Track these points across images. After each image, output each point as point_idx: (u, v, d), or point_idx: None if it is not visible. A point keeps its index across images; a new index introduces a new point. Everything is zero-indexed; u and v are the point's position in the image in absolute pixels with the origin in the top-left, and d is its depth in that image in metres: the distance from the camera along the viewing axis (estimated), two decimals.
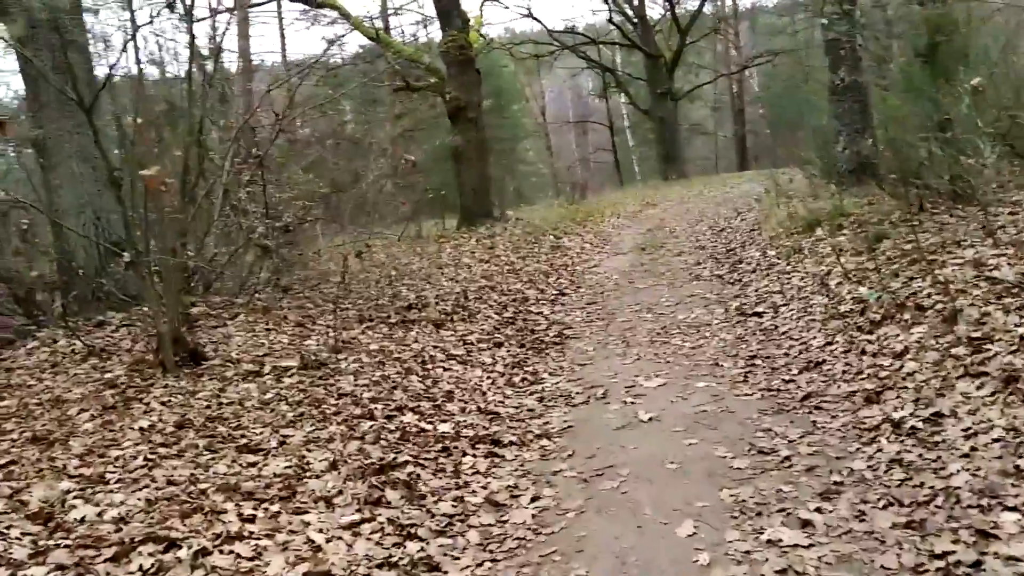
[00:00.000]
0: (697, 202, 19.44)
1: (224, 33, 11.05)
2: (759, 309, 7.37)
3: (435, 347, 7.19)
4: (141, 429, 4.93)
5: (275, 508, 3.86)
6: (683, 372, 5.84)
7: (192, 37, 7.43)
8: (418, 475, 4.30)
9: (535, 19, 33.56)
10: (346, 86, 19.15)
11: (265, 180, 7.82)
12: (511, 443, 4.75)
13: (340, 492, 4.06)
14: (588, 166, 40.94)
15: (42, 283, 7.18)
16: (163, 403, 5.42)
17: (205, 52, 10.21)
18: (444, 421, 5.18)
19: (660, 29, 29.55)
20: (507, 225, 15.75)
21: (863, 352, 5.33)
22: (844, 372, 5.12)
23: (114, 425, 4.98)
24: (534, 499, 3.98)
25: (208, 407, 5.34)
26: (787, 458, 3.98)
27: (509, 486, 4.14)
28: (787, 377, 5.39)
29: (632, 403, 5.27)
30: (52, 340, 6.98)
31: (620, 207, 19.60)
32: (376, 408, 5.33)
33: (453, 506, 3.96)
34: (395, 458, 4.44)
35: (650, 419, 4.87)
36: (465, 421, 5.15)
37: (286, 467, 4.31)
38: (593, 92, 40.59)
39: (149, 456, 4.43)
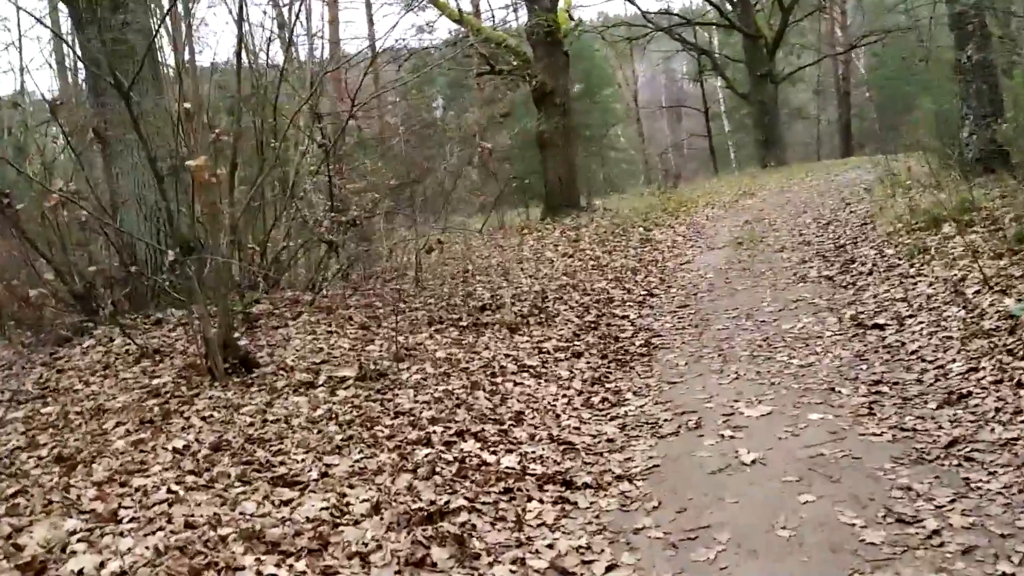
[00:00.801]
0: (799, 191, 18.13)
1: (297, 16, 10.57)
2: (880, 320, 6.37)
3: (507, 356, 6.50)
4: (175, 450, 4.41)
5: (301, 566, 3.24)
6: (791, 397, 4.97)
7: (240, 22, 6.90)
8: (473, 526, 3.60)
9: (628, 0, 32.32)
10: (432, 72, 18.66)
11: (331, 171, 7.26)
12: (586, 486, 4.00)
13: (379, 546, 3.40)
14: (681, 153, 39.56)
15: (102, 278, 6.81)
16: (204, 418, 4.91)
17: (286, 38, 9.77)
18: (510, 451, 4.48)
19: (761, 8, 27.95)
20: (594, 216, 14.93)
21: (1019, 385, 4.36)
22: (997, 411, 4.17)
23: (147, 445, 4.48)
24: (610, 568, 3.23)
25: (251, 424, 4.79)
26: (936, 532, 3.11)
27: (580, 547, 3.40)
28: (923, 412, 4.45)
29: (731, 437, 4.45)
30: (108, 339, 6.60)
31: (715, 196, 18.48)
32: (435, 432, 4.67)
33: (512, 572, 3.25)
34: (448, 502, 3.75)
35: (754, 461, 4.04)
36: (533, 452, 4.43)
37: (323, 507, 3.69)
38: (687, 76, 39.13)
39: (174, 487, 3.88)
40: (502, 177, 15.59)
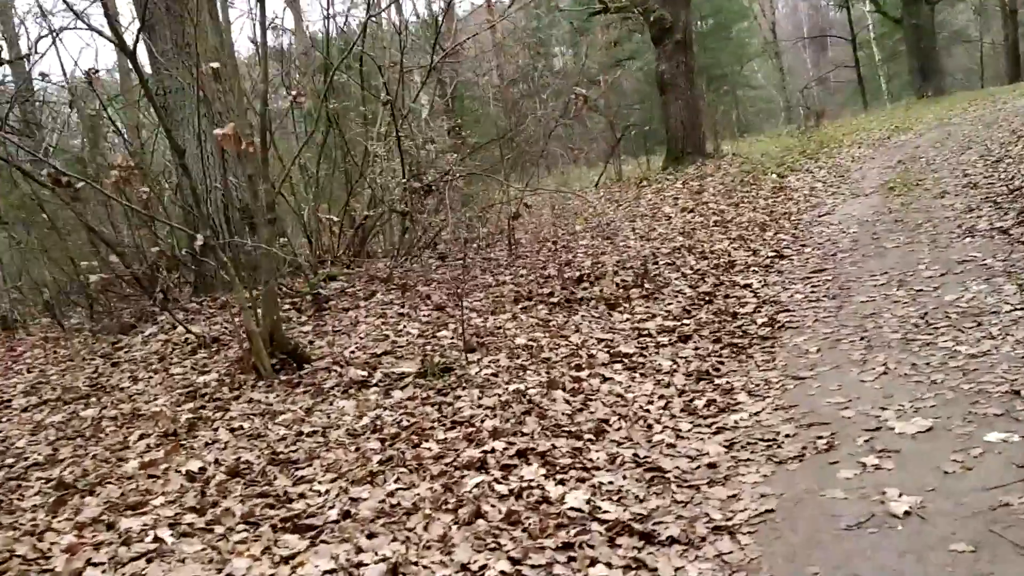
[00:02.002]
0: (961, 124, 15.78)
1: None
2: None
3: (600, 340, 5.48)
4: (187, 474, 3.72)
5: None
6: (960, 406, 3.71)
7: None
8: None
9: None
10: (537, 15, 17.45)
11: (399, 130, 6.38)
12: (672, 540, 2.98)
13: None
14: (827, 88, 36.40)
15: (165, 260, 6.29)
16: (233, 429, 4.21)
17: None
18: (581, 480, 3.50)
19: None
20: (721, 163, 13.43)
21: None
22: None
23: (159, 467, 3.82)
24: None
25: (282, 439, 4.04)
26: None
27: None
28: None
29: (876, 467, 3.28)
30: (171, 326, 6.09)
31: (863, 134, 16.41)
32: (494, 449, 3.76)
33: None
34: (484, 567, 2.84)
35: (908, 512, 2.88)
36: (611, 484, 3.43)
37: (326, 571, 2.87)
38: (832, 2, 35.73)
39: (165, 532, 3.17)
40: (619, 125, 14.32)
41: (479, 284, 6.88)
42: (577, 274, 7.08)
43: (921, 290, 5.66)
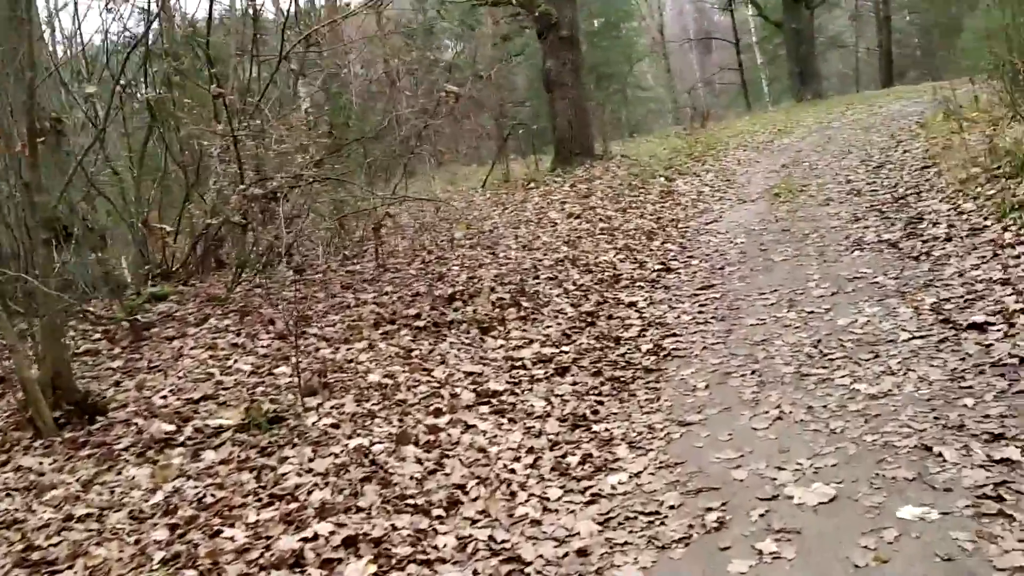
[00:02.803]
0: (840, 127, 15.90)
1: None
2: (977, 316, 4.46)
3: (468, 375, 4.75)
4: None
5: None
6: (866, 464, 3.16)
7: None
8: None
9: None
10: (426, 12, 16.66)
11: (235, 129, 5.46)
12: None
13: None
14: (712, 89, 36.91)
15: None
16: None
17: None
18: None
19: None
20: (610, 165, 12.95)
21: None
22: None
23: None
24: None
25: (45, 525, 3.13)
26: None
27: None
28: None
29: (775, 556, 2.68)
30: None
31: (747, 136, 16.31)
32: (316, 535, 2.97)
33: None
34: None
35: None
36: None
37: None
38: (716, 5, 36.23)
39: None
40: (507, 123, 13.67)
41: (337, 304, 6.04)
42: (450, 291, 6.33)
43: (812, 312, 5.18)
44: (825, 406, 3.77)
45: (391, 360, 4.94)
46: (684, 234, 8.40)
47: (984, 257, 5.29)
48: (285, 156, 5.93)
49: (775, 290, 5.82)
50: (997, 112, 9.60)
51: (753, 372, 4.36)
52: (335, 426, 3.98)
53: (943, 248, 5.81)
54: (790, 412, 3.76)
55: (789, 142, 14.88)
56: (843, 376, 4.07)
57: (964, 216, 6.38)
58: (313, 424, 3.98)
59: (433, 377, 4.72)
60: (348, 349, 5.11)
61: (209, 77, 5.78)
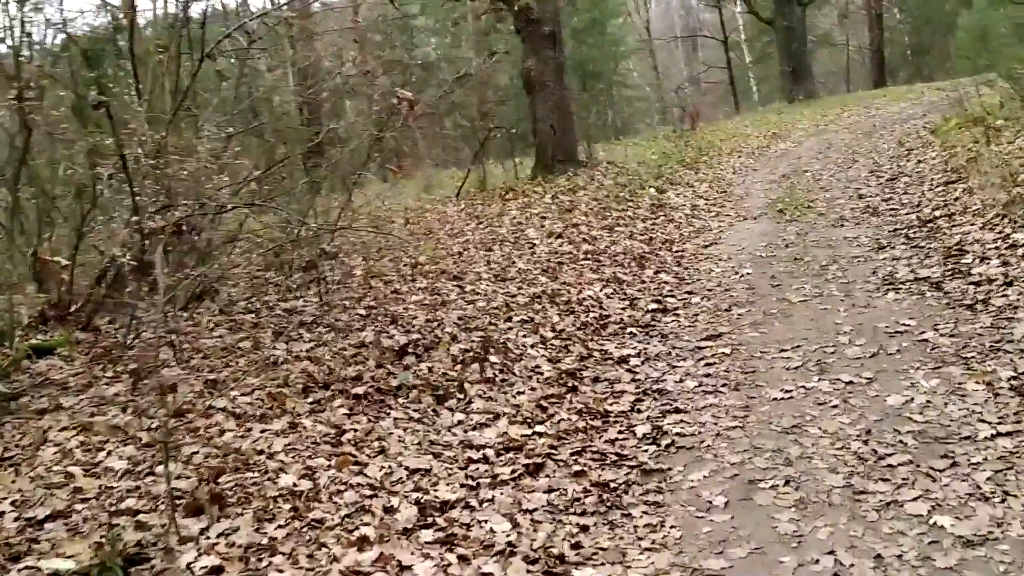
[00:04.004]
0: (838, 131, 14.89)
1: None
2: None
3: (412, 473, 3.60)
4: None
5: None
6: None
7: None
8: None
9: None
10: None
11: (121, 142, 4.27)
12: None
13: None
14: (699, 88, 35.84)
15: None
16: None
17: None
18: None
19: None
20: (595, 173, 11.81)
21: None
22: None
23: None
24: None
25: None
26: None
27: None
28: None
29: None
30: None
31: (741, 140, 15.25)
32: None
33: None
34: None
35: None
36: None
37: None
38: (705, 2, 35.16)
39: None
40: (484, 126, 12.51)
41: (262, 360, 4.87)
42: (403, 340, 5.17)
43: (851, 383, 4.06)
44: (900, 556, 2.65)
45: (315, 449, 3.78)
46: (680, 260, 7.28)
47: None
48: (201, 177, 4.76)
49: (798, 346, 4.70)
50: (1013, 116, 8.55)
51: (787, 482, 3.24)
52: (218, 571, 2.84)
53: (1004, 295, 4.71)
54: (851, 566, 2.64)
55: (786, 147, 13.83)
56: (914, 498, 2.95)
57: (1019, 251, 5.29)
58: (187, 568, 2.83)
59: (366, 477, 3.57)
60: (263, 431, 3.95)
61: (91, 82, 4.60)
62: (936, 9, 29.50)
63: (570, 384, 4.57)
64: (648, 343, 5.20)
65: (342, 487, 3.46)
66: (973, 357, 4.04)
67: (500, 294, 6.24)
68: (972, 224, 6.25)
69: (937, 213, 7.00)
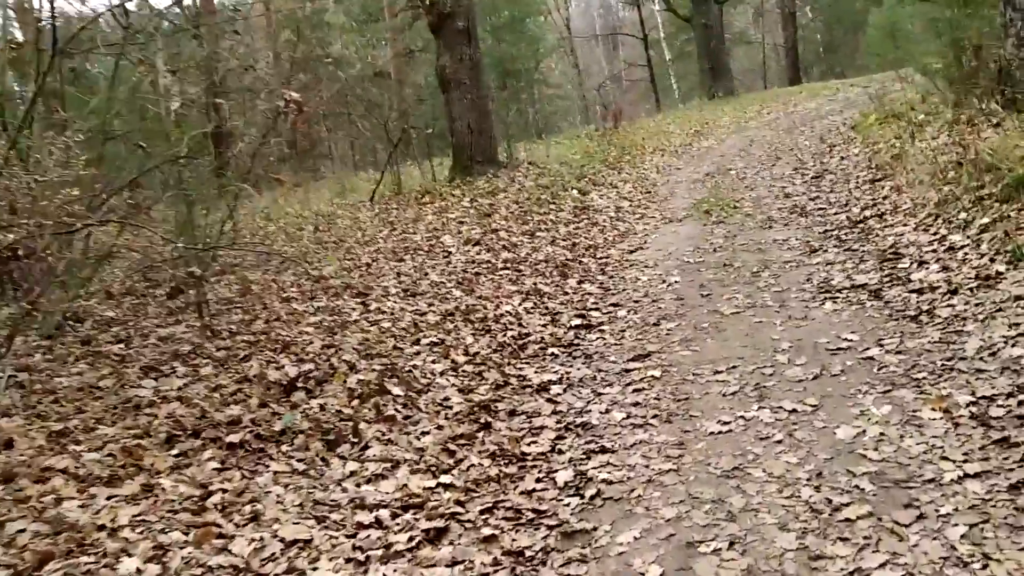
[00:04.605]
0: (759, 128, 14.75)
1: None
2: None
3: (285, 547, 2.96)
4: None
5: None
6: None
7: None
8: None
9: None
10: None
11: None
12: None
13: None
14: (620, 86, 35.80)
15: None
16: None
17: None
18: None
19: None
20: (515, 174, 11.27)
21: None
22: None
23: None
24: None
25: None
26: None
27: None
28: None
29: None
30: None
31: (663, 138, 14.96)
32: None
33: None
34: None
35: None
36: None
37: None
38: (623, 0, 35.15)
39: None
40: (397, 127, 11.83)
41: (124, 403, 4.12)
42: (294, 372, 4.49)
43: (794, 411, 3.59)
44: None
45: (171, 519, 3.10)
46: (604, 267, 6.79)
47: (1018, 325, 3.82)
48: (47, 191, 3.99)
49: (733, 366, 4.22)
50: (947, 114, 8.36)
51: (732, 544, 2.72)
52: None
53: (949, 304, 4.33)
54: None
55: (709, 145, 13.57)
56: (881, 564, 2.47)
57: (958, 254, 4.95)
58: None
59: (230, 555, 2.91)
60: (110, 498, 3.25)
61: None
62: (846, 8, 30.06)
63: (483, 420, 3.99)
64: (571, 365, 4.66)
65: (198, 571, 2.80)
66: (925, 378, 3.62)
67: (408, 312, 5.61)
68: (905, 225, 5.93)
69: (867, 213, 6.68)
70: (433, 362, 4.74)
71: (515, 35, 23.55)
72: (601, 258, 7.06)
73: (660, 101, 27.99)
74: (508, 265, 6.89)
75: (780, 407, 3.64)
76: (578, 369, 4.58)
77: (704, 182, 10.05)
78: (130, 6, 5.50)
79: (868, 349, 4.06)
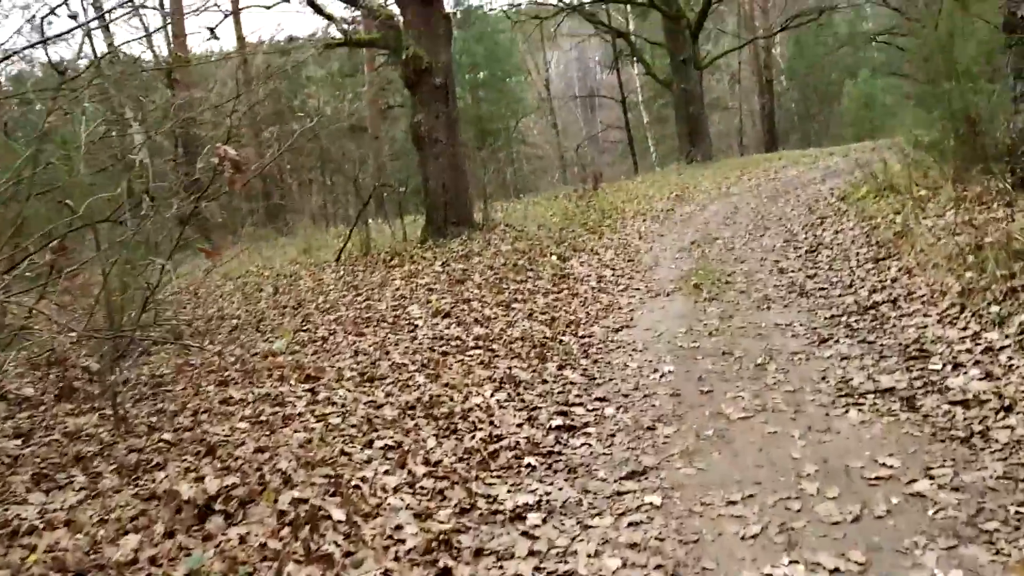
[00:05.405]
0: (742, 195, 14.23)
1: None
2: None
3: None
4: None
5: None
6: None
7: None
8: None
9: None
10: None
11: None
12: None
13: None
14: (598, 146, 35.65)
15: None
16: None
17: None
18: None
19: None
20: (491, 236, 10.56)
21: None
22: None
23: None
24: None
25: None
26: None
27: None
28: None
29: None
30: None
31: (644, 202, 14.38)
32: None
33: None
34: None
35: None
36: None
37: None
38: (602, 64, 35.21)
39: None
40: (368, 185, 11.12)
41: None
42: (214, 487, 3.62)
43: (836, 571, 2.81)
44: None
45: None
46: (587, 349, 6.02)
47: None
48: None
49: (750, 495, 3.43)
50: (949, 190, 7.80)
51: None
52: None
53: (1006, 424, 3.59)
54: None
55: (691, 211, 12.99)
56: None
57: (1000, 357, 4.24)
58: None
59: None
60: None
61: None
62: (821, 78, 30.27)
63: (442, 564, 3.14)
64: (551, 482, 3.84)
65: None
66: (998, 530, 2.86)
67: (363, 404, 4.78)
68: (926, 316, 5.24)
69: (877, 297, 6.01)
70: (386, 472, 3.89)
71: (495, 93, 23.22)
72: (583, 337, 6.30)
73: (638, 164, 27.70)
74: (480, 343, 6.10)
75: (817, 563, 2.85)
76: (560, 488, 3.76)
77: (690, 251, 9.40)
78: (66, 54, 4.75)
79: (915, 482, 3.29)
